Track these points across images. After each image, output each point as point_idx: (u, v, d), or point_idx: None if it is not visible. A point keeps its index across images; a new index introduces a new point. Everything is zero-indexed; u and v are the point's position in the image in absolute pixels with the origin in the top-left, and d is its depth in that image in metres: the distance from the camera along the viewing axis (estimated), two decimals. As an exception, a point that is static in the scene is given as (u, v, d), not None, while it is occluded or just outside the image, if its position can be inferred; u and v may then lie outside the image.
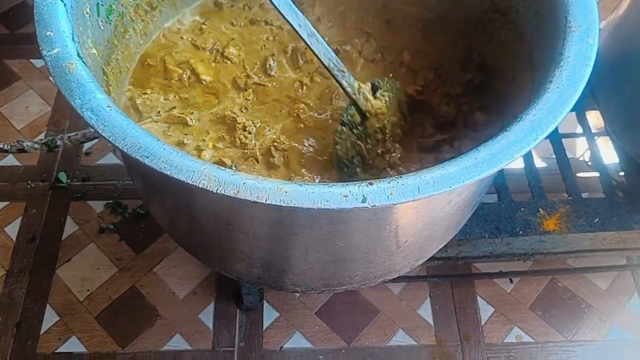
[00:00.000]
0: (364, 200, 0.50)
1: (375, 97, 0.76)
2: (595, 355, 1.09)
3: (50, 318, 1.11)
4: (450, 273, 1.16)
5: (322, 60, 0.72)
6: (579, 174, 1.28)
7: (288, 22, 0.71)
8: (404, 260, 0.73)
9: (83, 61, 0.59)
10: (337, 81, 0.73)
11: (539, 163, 1.27)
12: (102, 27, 0.75)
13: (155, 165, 0.51)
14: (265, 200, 0.49)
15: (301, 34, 0.71)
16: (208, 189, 0.50)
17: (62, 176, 1.28)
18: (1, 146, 1.20)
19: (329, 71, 0.72)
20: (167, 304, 1.13)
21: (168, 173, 0.51)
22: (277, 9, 0.71)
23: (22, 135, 1.34)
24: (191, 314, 1.12)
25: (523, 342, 1.11)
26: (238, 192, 0.50)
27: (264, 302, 1.13)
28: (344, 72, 0.73)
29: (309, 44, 0.71)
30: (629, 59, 0.85)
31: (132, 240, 1.20)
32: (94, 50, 0.72)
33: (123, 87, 0.85)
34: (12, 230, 1.21)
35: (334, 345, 1.10)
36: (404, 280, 1.16)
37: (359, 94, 0.74)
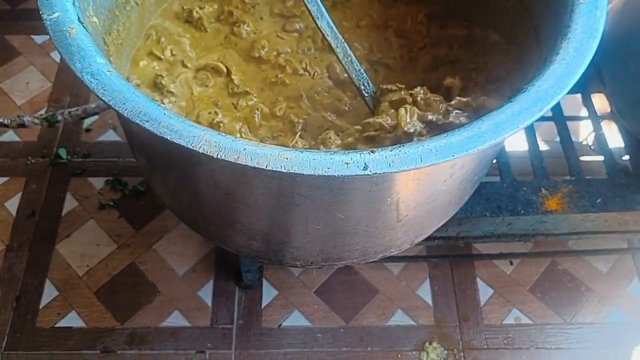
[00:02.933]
0: (365, 168, 0.49)
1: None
2: (593, 338, 1.09)
3: (49, 293, 1.11)
4: (450, 254, 1.16)
5: (354, 81, 0.75)
6: (583, 158, 1.29)
7: (328, 42, 0.75)
8: (404, 236, 0.72)
9: (84, 26, 0.59)
10: (365, 101, 0.76)
11: (543, 146, 1.28)
12: (103, -5, 0.74)
13: (156, 130, 0.51)
14: (266, 167, 0.49)
15: (339, 56, 0.75)
16: (208, 154, 0.50)
17: (63, 152, 1.27)
18: (1, 121, 1.20)
19: (356, 87, 0.76)
20: (166, 280, 1.13)
21: (168, 138, 0.50)
22: (319, 29, 0.75)
23: (22, 111, 1.34)
24: (190, 290, 1.12)
25: (522, 323, 1.11)
26: (238, 157, 0.49)
27: (263, 280, 1.13)
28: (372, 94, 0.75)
29: (344, 64, 0.75)
30: (636, 36, 0.84)
31: (132, 217, 1.20)
32: (95, 19, 0.71)
33: (126, 60, 0.84)
34: (12, 205, 1.21)
35: (333, 324, 1.10)
36: (403, 260, 1.16)
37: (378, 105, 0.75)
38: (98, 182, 1.24)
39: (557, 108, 1.04)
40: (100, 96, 0.53)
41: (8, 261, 1.14)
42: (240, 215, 0.65)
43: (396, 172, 0.49)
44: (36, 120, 1.15)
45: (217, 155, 0.49)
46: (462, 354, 1.07)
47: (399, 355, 1.07)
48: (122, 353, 1.06)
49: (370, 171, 0.49)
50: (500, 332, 1.10)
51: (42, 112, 1.33)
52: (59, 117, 1.14)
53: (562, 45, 0.59)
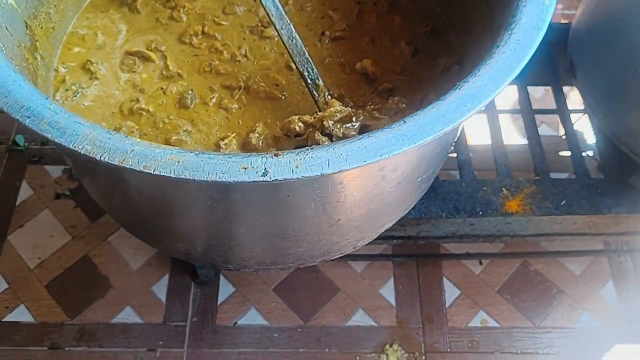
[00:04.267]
0: (264, 174, 0.44)
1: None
2: (562, 343, 1.04)
3: (-1, 285, 1.08)
4: (417, 253, 1.11)
5: (297, 65, 0.71)
6: (561, 153, 1.23)
7: (272, 23, 0.70)
8: (343, 240, 0.67)
9: (-24, 10, 0.54)
10: (308, 87, 0.71)
11: (514, 140, 1.22)
12: (24, -24, 0.69)
13: (36, 127, 0.46)
14: (153, 171, 0.44)
15: (282, 38, 0.71)
16: (90, 155, 0.45)
17: (20, 139, 1.22)
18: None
19: (300, 72, 0.71)
20: (120, 274, 1.09)
21: (49, 136, 0.45)
22: (263, 7, 0.70)
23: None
24: (144, 285, 1.08)
25: (488, 326, 1.06)
26: (124, 160, 0.44)
27: (220, 276, 1.09)
28: (317, 84, 0.70)
29: (288, 47, 0.71)
30: (607, 28, 0.78)
31: (88, 208, 1.16)
32: (12, 1, 0.66)
33: (58, 44, 0.79)
34: (-35, 193, 1.17)
35: (290, 324, 1.05)
36: (367, 258, 1.11)
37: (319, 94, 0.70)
38: (55, 171, 1.20)
39: (524, 100, 0.98)
40: (-20, 88, 0.48)
41: (-43, 251, 1.10)
42: (157, 216, 0.61)
43: (298, 179, 0.44)
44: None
45: (101, 157, 0.44)
46: (423, 357, 1.03)
47: (358, 358, 1.03)
48: (70, 350, 1.02)
49: (270, 177, 0.44)
50: (465, 335, 1.05)
51: None
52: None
53: (504, 38, 0.53)
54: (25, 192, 1.18)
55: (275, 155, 0.45)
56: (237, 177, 0.44)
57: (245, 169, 0.44)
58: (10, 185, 1.18)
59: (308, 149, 0.46)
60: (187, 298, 1.07)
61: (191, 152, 0.45)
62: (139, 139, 0.46)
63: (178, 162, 0.44)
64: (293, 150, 0.46)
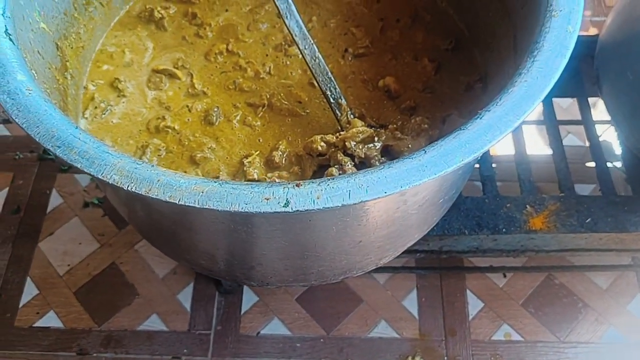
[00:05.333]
0: (286, 204, 0.45)
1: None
2: (588, 358, 1.03)
3: (29, 291, 1.10)
4: (440, 265, 1.11)
5: (320, 85, 0.72)
6: (588, 164, 1.21)
7: (295, 43, 0.71)
8: (364, 259, 0.68)
9: (10, 39, 0.55)
10: (331, 107, 0.72)
11: (539, 149, 1.20)
12: (55, -2, 0.71)
13: (66, 157, 0.47)
14: (179, 201, 0.45)
15: (306, 58, 0.71)
16: (118, 185, 0.46)
17: (50, 147, 1.25)
18: (-13, 115, 1.19)
19: (323, 92, 0.72)
20: (146, 282, 1.11)
21: (78, 166, 0.47)
22: (287, 28, 0.71)
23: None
24: (169, 294, 1.10)
25: (512, 340, 1.06)
26: (150, 190, 0.46)
27: (244, 286, 1.10)
28: (340, 103, 0.71)
29: (311, 67, 0.71)
30: (633, 46, 0.77)
31: (115, 216, 1.18)
32: (43, 24, 0.68)
33: (87, 63, 0.81)
34: (-1, 200, 1.21)
35: (313, 334, 1.06)
36: (390, 270, 1.11)
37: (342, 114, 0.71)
38: (84, 179, 1.23)
39: (549, 111, 0.96)
40: (14, 117, 0.49)
41: (-9, 257, 1.13)
42: (179, 236, 0.62)
43: (320, 211, 0.45)
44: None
45: (128, 186, 0.46)
46: (446, 370, 1.03)
47: (380, 369, 1.03)
48: (98, 356, 1.04)
49: (292, 208, 0.45)
50: (488, 348, 1.05)
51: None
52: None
53: (526, 65, 0.53)
54: (55, 199, 1.21)
55: (297, 185, 0.46)
56: (260, 207, 0.45)
57: (267, 199, 0.45)
58: (41, 193, 1.21)
59: (329, 179, 0.46)
60: (211, 307, 1.09)
61: (215, 182, 0.46)
62: (165, 169, 0.47)
63: (202, 192, 0.46)
64: (314, 181, 0.47)
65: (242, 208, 0.45)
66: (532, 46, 0.55)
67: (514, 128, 0.50)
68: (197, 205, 0.45)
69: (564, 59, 0.53)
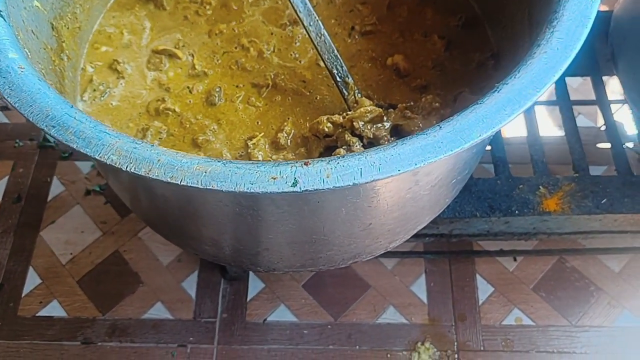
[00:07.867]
0: (294, 184, 0.43)
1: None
2: (600, 342, 1.01)
3: (32, 281, 1.09)
4: (449, 250, 1.09)
5: (326, 63, 0.69)
6: (600, 145, 1.18)
7: (300, 19, 0.69)
8: (374, 243, 0.66)
9: (1, 15, 0.53)
10: (337, 86, 0.70)
11: (550, 131, 1.17)
12: (49, -23, 0.68)
13: (62, 137, 0.45)
14: (180, 182, 0.43)
15: (311, 35, 0.69)
16: (117, 165, 0.44)
17: (50, 135, 1.23)
18: (-15, 102, 1.17)
19: (329, 70, 0.69)
20: (150, 270, 1.10)
21: (74, 146, 0.45)
22: (292, 5, 0.68)
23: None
24: (174, 281, 1.08)
25: (523, 324, 1.03)
26: (150, 170, 0.43)
27: (250, 272, 1.08)
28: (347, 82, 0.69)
29: (316, 44, 0.69)
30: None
31: (118, 204, 1.16)
32: (37, 2, 0.65)
33: (85, 44, 0.78)
34: (-1, 189, 1.19)
35: (320, 320, 1.04)
36: (398, 255, 1.09)
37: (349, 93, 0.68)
38: (85, 167, 1.21)
39: (562, 91, 0.93)
40: (6, 97, 0.47)
41: (-8, 247, 1.12)
42: (183, 221, 0.60)
43: (330, 189, 0.43)
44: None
45: (127, 167, 0.43)
46: (456, 355, 1.01)
47: (389, 355, 1.01)
48: (103, 345, 1.03)
49: (300, 188, 0.43)
50: (499, 333, 1.03)
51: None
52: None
53: (545, 36, 0.50)
54: (56, 188, 1.19)
55: (305, 164, 0.44)
56: (266, 187, 0.43)
57: (274, 179, 0.43)
58: (41, 181, 1.19)
59: (339, 158, 0.44)
60: (216, 294, 1.07)
61: (218, 161, 0.44)
62: (165, 148, 0.45)
63: (205, 172, 0.43)
64: (324, 159, 0.44)
65: (248, 188, 0.43)
66: (550, 16, 0.52)
67: (534, 102, 0.47)
68: (199, 186, 0.43)
69: (586, 29, 0.50)
